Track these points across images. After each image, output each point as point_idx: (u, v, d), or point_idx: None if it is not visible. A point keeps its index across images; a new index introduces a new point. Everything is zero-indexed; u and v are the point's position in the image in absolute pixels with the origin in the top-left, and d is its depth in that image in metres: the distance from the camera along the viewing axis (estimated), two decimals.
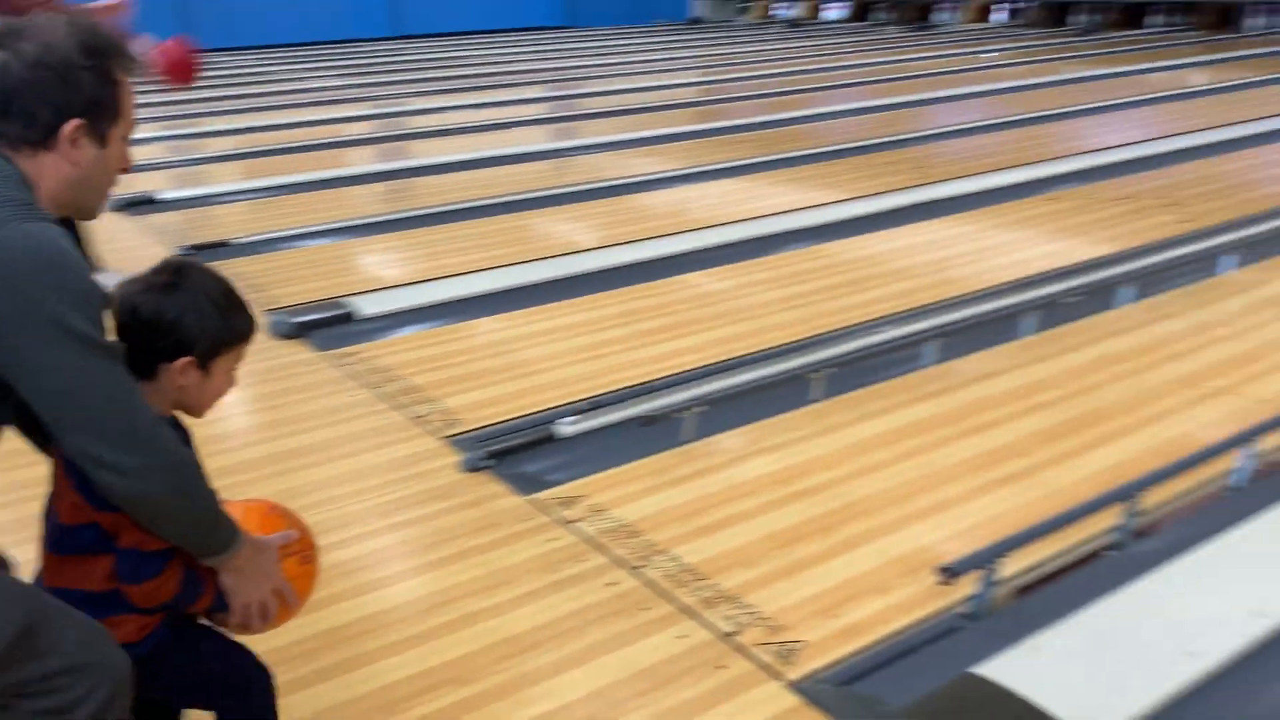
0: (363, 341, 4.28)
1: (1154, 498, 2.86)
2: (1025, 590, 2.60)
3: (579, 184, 7.02)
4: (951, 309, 4.38)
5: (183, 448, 1.59)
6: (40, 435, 1.63)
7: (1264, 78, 11.05)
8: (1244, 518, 2.78)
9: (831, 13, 23.07)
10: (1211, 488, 3.00)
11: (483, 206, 6.45)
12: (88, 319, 1.42)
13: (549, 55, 16.29)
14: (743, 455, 3.25)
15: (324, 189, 7.00)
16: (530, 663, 2.31)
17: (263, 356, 4.08)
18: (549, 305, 4.64)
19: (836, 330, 4.22)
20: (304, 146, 8.52)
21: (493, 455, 3.23)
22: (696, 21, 23.43)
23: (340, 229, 6.05)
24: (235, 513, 1.70)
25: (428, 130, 9.53)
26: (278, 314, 4.46)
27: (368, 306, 4.60)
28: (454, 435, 3.44)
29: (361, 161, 8.34)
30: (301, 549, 1.81)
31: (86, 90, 1.51)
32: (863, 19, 22.01)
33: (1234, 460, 3.04)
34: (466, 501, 3.03)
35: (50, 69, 1.48)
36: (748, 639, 2.38)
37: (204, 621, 1.76)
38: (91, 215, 1.65)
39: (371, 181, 7.60)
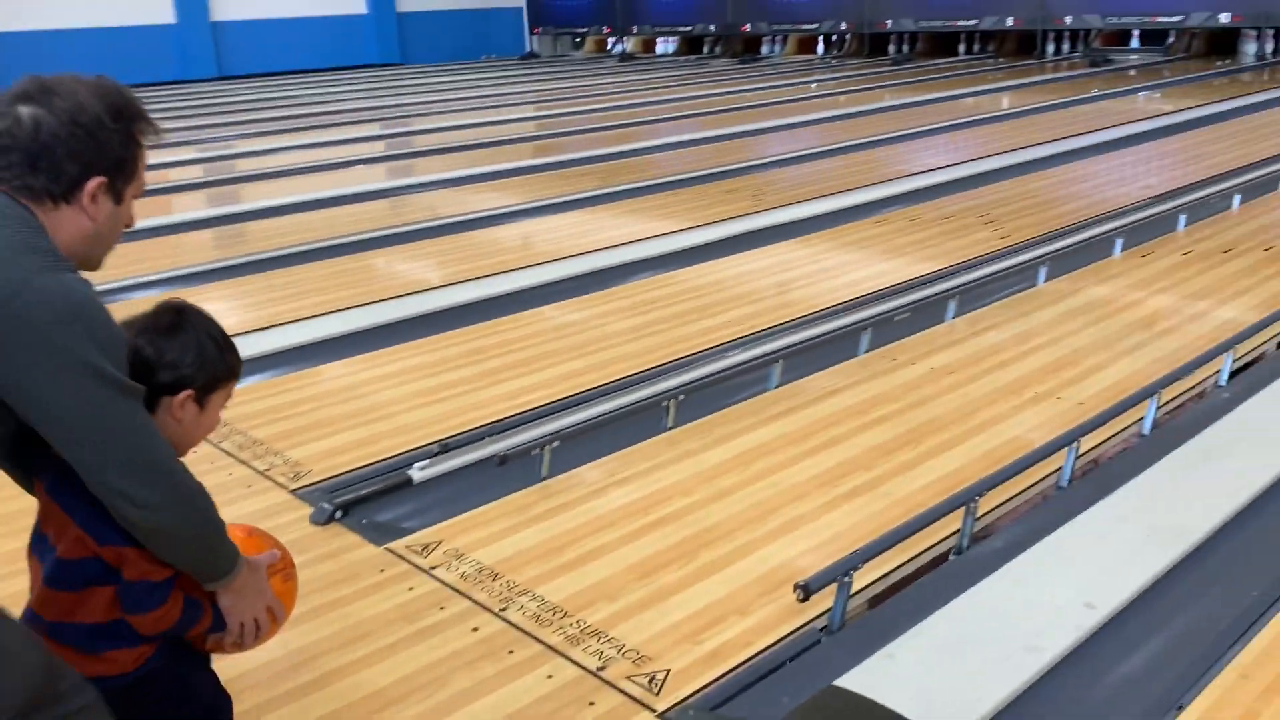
0: None
1: (990, 501, 3.02)
2: (877, 600, 2.70)
3: (419, 222, 6.94)
4: (792, 331, 4.52)
5: (195, 480, 1.66)
6: (26, 474, 1.71)
7: (1062, 100, 11.89)
8: (1070, 515, 2.97)
9: (662, 47, 23.64)
10: (1041, 488, 3.19)
11: (321, 249, 6.31)
12: (116, 364, 1.53)
13: (382, 93, 16.09)
14: (601, 488, 3.27)
15: (151, 237, 6.69)
16: (398, 717, 2.26)
17: None
18: (394, 347, 4.56)
19: (685, 357, 4.30)
20: None
21: (345, 505, 3.14)
22: (531, 56, 23.58)
23: (171, 279, 5.80)
24: None
25: (259, 173, 9.26)
26: None
27: None
28: (303, 487, 3.33)
29: (190, 208, 8.03)
30: (283, 567, 1.93)
31: (113, 150, 1.60)
32: (692, 53, 22.62)
33: (1060, 460, 3.24)
34: (321, 555, 2.94)
35: (81, 127, 1.55)
36: (615, 673, 2.39)
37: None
38: (96, 267, 1.70)
39: (202, 228, 7.32)
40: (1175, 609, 2.57)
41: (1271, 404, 3.66)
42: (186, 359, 1.69)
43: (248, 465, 3.50)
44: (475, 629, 2.57)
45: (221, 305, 5.40)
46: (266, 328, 4.88)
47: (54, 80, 1.58)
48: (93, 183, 1.59)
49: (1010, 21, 17.25)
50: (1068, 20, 16.64)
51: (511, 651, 2.48)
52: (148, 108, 1.69)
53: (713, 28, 21.70)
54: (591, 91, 15.48)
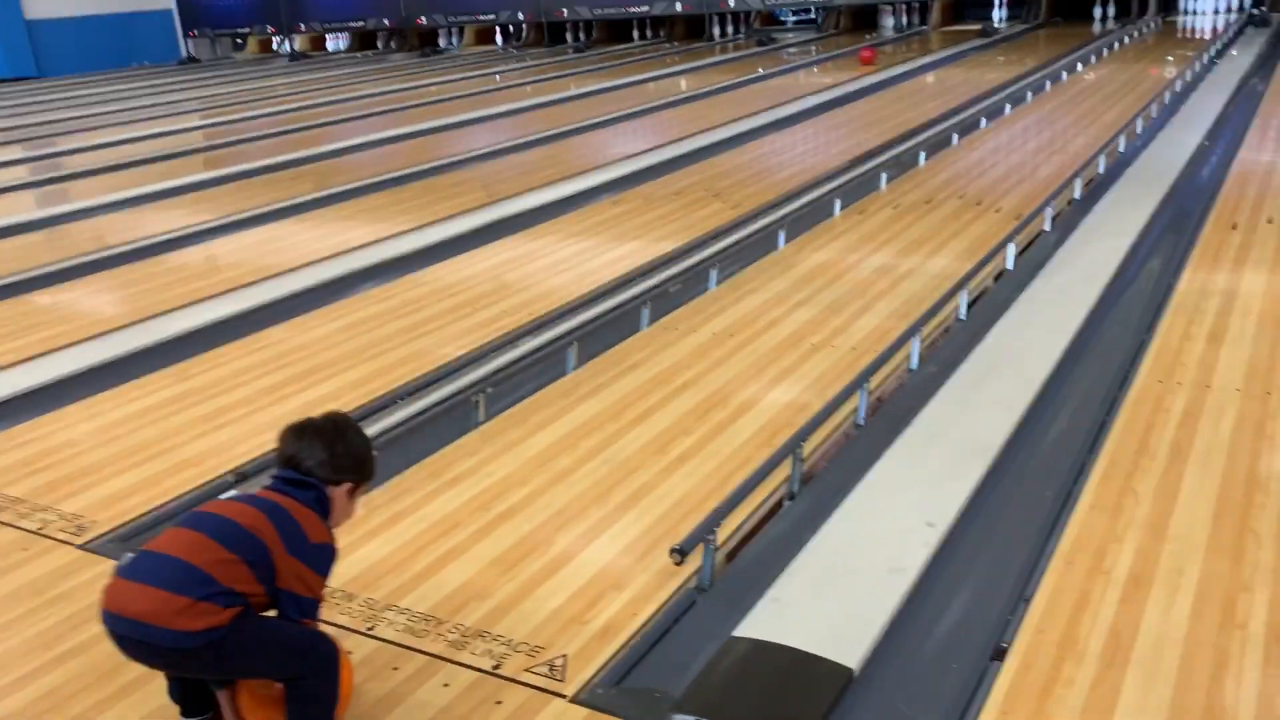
0: None
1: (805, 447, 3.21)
2: (731, 555, 2.81)
3: (86, 253, 6.16)
4: (572, 314, 4.56)
5: None
6: None
7: (743, 79, 12.66)
8: (879, 449, 3.21)
9: (333, 44, 22.79)
10: (844, 429, 3.43)
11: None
12: None
13: (18, 111, 14.41)
14: (432, 490, 3.16)
15: None
16: None
17: None
18: (137, 380, 4.15)
19: (477, 350, 4.23)
20: None
21: None
22: (190, 61, 21.98)
23: None
24: None
25: None
26: None
27: None
28: (92, 540, 2.98)
29: None
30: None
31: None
32: (366, 49, 21.98)
33: (855, 401, 3.50)
34: None
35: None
36: (513, 667, 2.34)
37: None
38: None
39: None
40: (995, 515, 2.86)
41: (1010, 330, 4.13)
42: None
43: (14, 527, 3.08)
44: (349, 652, 2.42)
45: None
46: None
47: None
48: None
49: (679, 6, 18.11)
50: (731, 3, 17.71)
51: (396, 668, 2.36)
52: None
53: (387, 22, 21.19)
54: (267, 94, 14.68)
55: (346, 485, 2.16)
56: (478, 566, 2.75)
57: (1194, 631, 2.30)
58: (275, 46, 23.03)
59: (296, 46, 22.36)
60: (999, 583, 2.56)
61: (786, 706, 2.12)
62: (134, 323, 4.87)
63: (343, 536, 2.83)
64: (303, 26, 22.22)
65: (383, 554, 2.83)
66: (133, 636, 1.87)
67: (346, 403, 3.80)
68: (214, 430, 3.67)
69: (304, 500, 2.09)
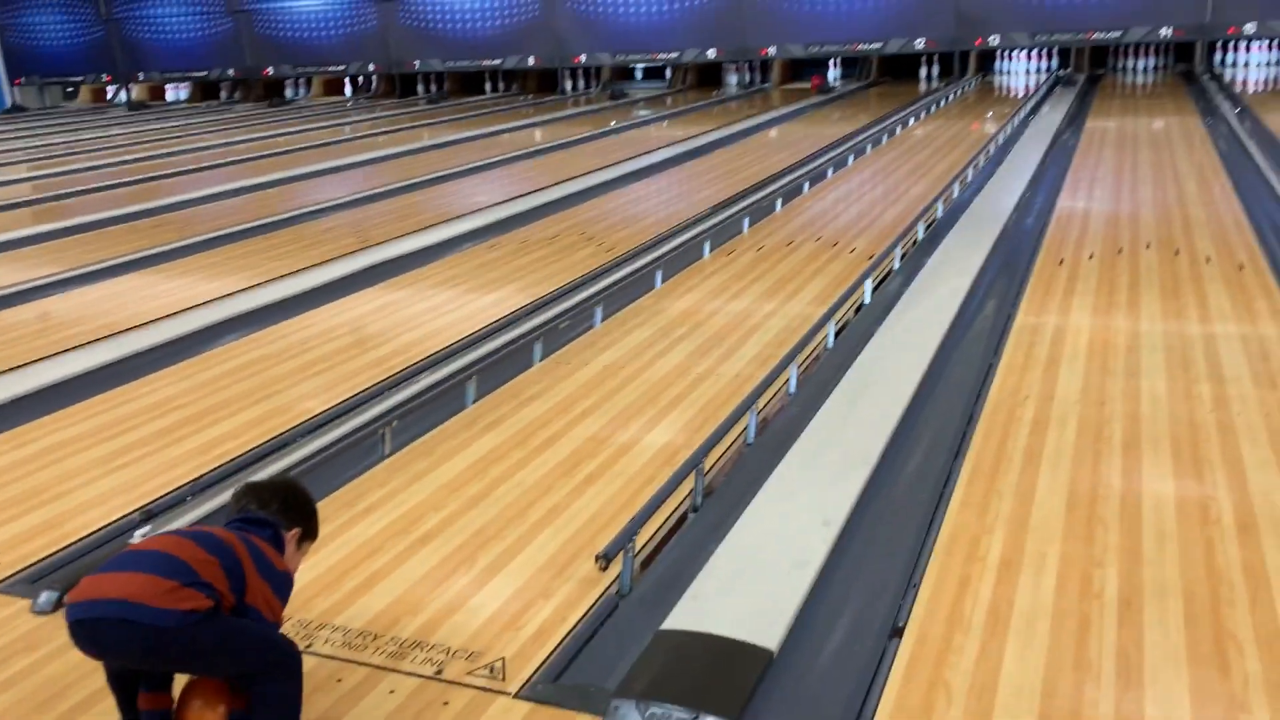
0: None
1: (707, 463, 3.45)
2: (646, 564, 3.01)
3: None
4: (467, 350, 4.70)
5: None
6: None
7: (600, 131, 13.07)
8: (771, 463, 3.48)
9: (173, 93, 22.21)
10: (736, 448, 3.70)
11: None
12: None
13: None
14: (349, 518, 3.24)
15: None
16: None
17: None
18: (22, 428, 4.07)
19: (375, 385, 4.32)
20: None
21: (71, 585, 2.83)
22: (17, 110, 21.00)
23: None
24: None
25: None
26: None
27: None
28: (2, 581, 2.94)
29: None
30: None
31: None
32: (208, 99, 21.51)
33: (745, 422, 3.77)
34: (62, 645, 2.64)
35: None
36: (455, 672, 2.47)
37: None
38: None
39: None
40: (881, 513, 3.16)
41: (874, 357, 4.49)
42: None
43: None
44: None
45: None
46: None
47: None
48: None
49: (531, 60, 18.50)
50: (583, 59, 18.21)
51: (340, 680, 2.46)
52: None
53: (232, 72, 20.81)
54: (105, 144, 14.23)
55: (296, 531, 2.29)
56: (406, 585, 2.86)
57: (1059, 602, 2.63)
58: (110, 96, 22.27)
59: (134, 95, 21.69)
60: (891, 571, 2.85)
61: (717, 685, 2.33)
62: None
63: None
64: (141, 75, 21.60)
65: (308, 579, 2.91)
66: (110, 617, 1.93)
67: (246, 442, 3.84)
68: (112, 473, 3.64)
69: (264, 537, 2.20)
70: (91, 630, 1.98)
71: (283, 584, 2.18)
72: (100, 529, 3.25)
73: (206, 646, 1.98)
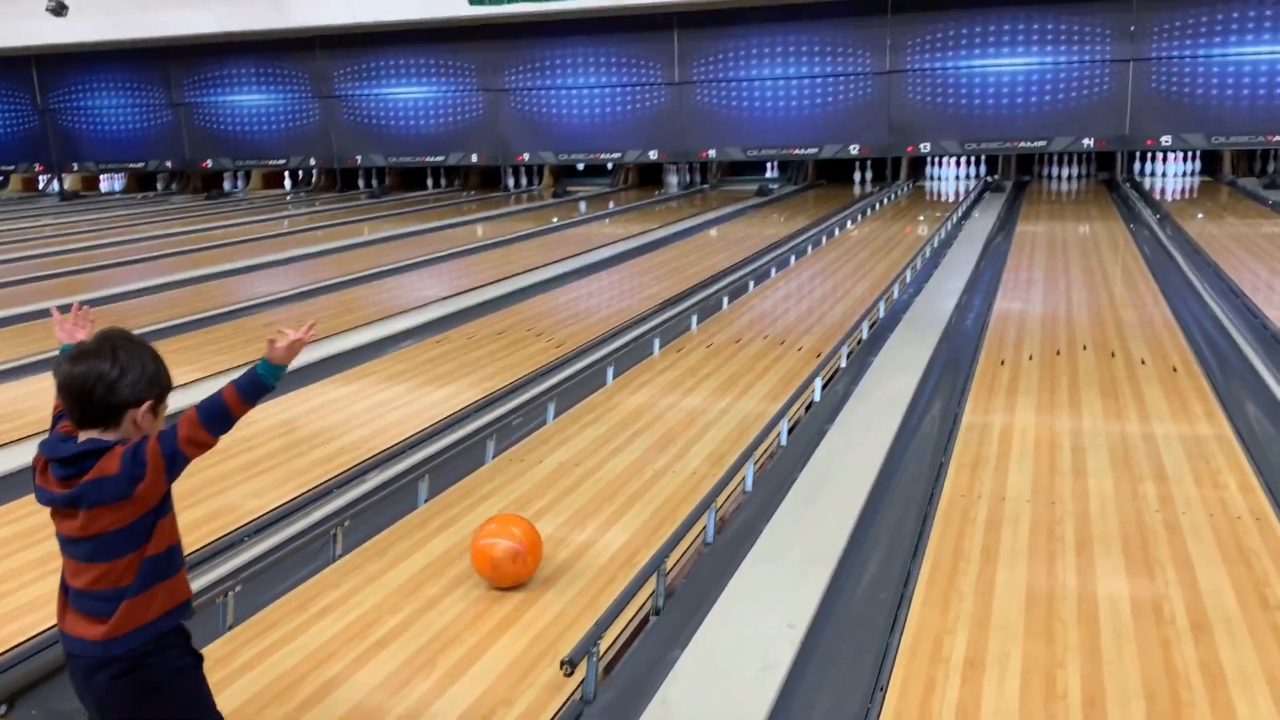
0: None
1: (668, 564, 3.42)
2: (608, 669, 2.95)
3: None
4: (417, 448, 4.64)
5: None
6: None
7: (543, 228, 13.21)
8: (731, 562, 3.47)
9: (108, 184, 22.00)
10: (695, 548, 3.67)
11: None
12: None
13: None
14: (303, 621, 3.14)
15: None
16: None
17: None
18: None
19: (322, 484, 4.23)
20: None
21: (11, 698, 2.69)
22: None
23: None
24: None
25: None
26: None
27: None
28: None
29: None
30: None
31: None
32: (144, 190, 21.35)
33: (704, 520, 3.76)
34: None
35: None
36: None
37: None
38: None
39: None
40: (845, 615, 3.15)
41: (828, 455, 4.53)
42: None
43: None
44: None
45: None
46: None
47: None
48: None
49: (475, 158, 18.73)
50: (526, 157, 18.49)
51: None
52: None
53: (169, 164, 20.71)
54: (31, 235, 14.01)
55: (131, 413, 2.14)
56: (362, 692, 2.77)
57: (1024, 704, 2.63)
58: (41, 185, 21.99)
59: (67, 185, 21.44)
60: (858, 673, 2.83)
61: None
62: None
63: (214, 673, 2.80)
64: (75, 165, 21.38)
65: (260, 687, 2.80)
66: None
67: (191, 542, 3.71)
68: (41, 581, 3.49)
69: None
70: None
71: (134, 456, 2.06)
72: (35, 636, 3.10)
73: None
